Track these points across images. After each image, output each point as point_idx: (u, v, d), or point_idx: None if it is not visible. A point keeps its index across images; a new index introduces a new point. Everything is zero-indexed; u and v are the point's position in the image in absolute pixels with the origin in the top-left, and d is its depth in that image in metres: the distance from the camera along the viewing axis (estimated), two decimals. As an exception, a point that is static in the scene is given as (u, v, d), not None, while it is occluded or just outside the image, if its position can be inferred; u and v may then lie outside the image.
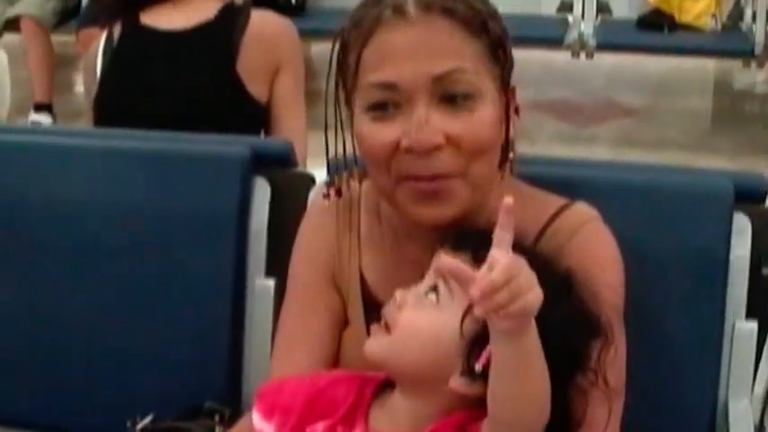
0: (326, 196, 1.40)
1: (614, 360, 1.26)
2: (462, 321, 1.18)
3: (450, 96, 1.24)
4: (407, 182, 1.26)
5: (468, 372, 1.18)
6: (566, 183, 1.45)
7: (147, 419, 1.57)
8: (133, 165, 1.73)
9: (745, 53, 4.54)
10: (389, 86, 1.24)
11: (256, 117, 2.27)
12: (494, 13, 1.29)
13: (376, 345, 1.24)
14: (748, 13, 4.73)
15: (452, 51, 1.24)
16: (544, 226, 1.34)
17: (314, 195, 1.57)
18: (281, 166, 1.73)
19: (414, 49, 1.23)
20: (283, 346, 1.42)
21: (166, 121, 1.95)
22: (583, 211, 1.37)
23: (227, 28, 2.27)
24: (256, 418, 1.30)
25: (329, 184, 1.40)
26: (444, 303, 1.21)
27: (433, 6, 1.24)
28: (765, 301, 1.58)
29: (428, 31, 1.23)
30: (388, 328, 1.23)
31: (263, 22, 2.31)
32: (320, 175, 1.54)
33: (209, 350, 1.68)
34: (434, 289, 1.22)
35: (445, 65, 1.23)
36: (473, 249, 1.21)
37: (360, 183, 1.41)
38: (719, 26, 4.78)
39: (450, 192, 1.26)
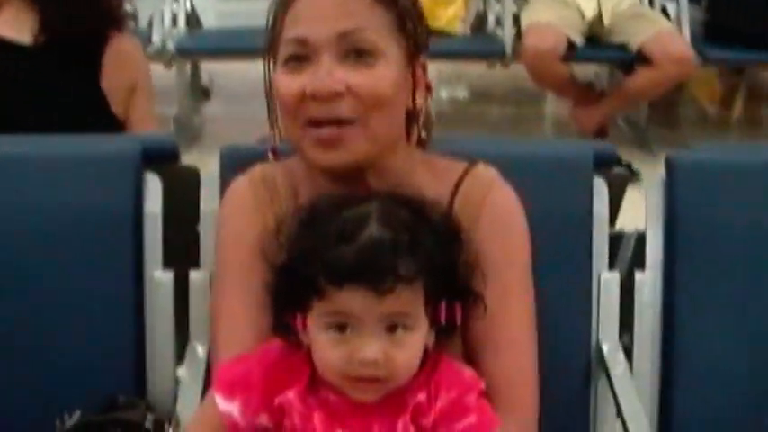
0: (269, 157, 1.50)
1: (524, 314, 1.46)
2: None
3: (353, 52, 1.37)
4: (310, 128, 1.38)
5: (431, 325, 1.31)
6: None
7: (76, 416, 1.56)
8: (28, 167, 1.74)
9: (496, 54, 4.84)
10: (301, 42, 1.38)
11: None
12: None
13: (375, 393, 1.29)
14: (491, 18, 5.04)
15: (359, 14, 1.38)
16: (454, 188, 1.48)
17: (234, 184, 1.58)
18: (168, 162, 1.78)
19: (325, 12, 1.38)
20: (226, 328, 1.44)
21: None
22: (485, 171, 1.51)
23: (89, 45, 2.30)
24: (219, 400, 1.32)
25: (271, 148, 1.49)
26: (416, 326, 1.29)
27: None
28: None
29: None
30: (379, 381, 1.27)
31: (119, 40, 2.34)
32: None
33: (113, 345, 1.71)
34: (394, 328, 1.27)
35: (350, 23, 1.37)
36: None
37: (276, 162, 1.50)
38: (468, 30, 5.07)
39: (348, 139, 1.38)
